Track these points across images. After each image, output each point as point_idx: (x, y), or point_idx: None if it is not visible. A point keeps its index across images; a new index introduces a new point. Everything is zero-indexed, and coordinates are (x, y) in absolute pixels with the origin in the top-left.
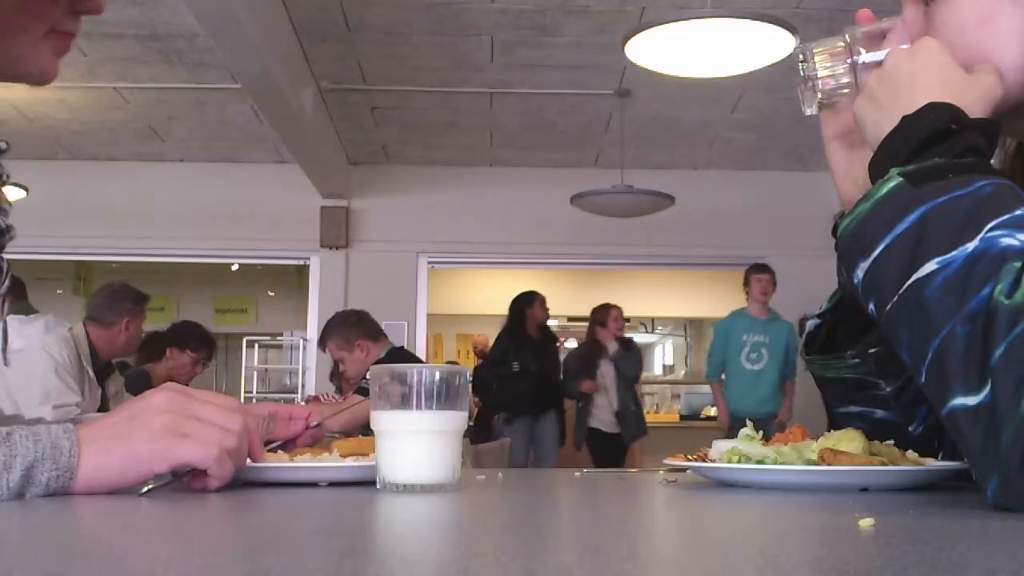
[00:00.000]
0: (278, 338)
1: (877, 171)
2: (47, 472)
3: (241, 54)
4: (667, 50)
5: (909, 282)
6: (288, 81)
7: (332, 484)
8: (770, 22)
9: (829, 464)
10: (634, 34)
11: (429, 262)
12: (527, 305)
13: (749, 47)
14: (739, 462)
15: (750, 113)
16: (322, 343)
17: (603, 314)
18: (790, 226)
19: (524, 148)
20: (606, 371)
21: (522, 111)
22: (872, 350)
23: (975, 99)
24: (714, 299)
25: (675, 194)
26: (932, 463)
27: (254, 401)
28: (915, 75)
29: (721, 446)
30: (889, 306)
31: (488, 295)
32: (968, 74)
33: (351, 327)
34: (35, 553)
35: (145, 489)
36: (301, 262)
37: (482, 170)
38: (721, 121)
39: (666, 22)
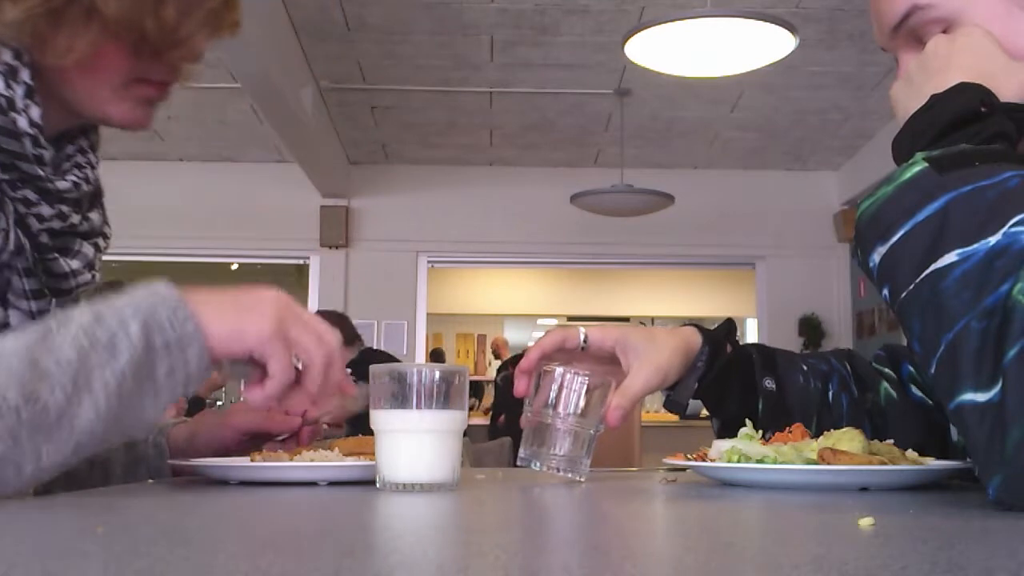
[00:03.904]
0: None
1: (901, 149)
2: (164, 312)
3: (240, 53)
4: (667, 50)
5: (927, 272)
6: (288, 81)
7: (332, 483)
8: (770, 22)
9: (829, 463)
10: (634, 33)
11: (429, 261)
12: None
13: (749, 47)
14: (739, 461)
15: (750, 113)
16: None
17: None
18: (790, 226)
19: (524, 147)
20: None
21: (522, 110)
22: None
23: (1011, 84)
24: (714, 299)
25: (675, 194)
26: (932, 463)
27: None
28: (951, 57)
29: (721, 446)
30: (904, 294)
31: (488, 295)
32: (1010, 60)
33: None
34: (35, 553)
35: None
36: (301, 261)
37: (482, 169)
38: (721, 121)
39: (666, 21)
